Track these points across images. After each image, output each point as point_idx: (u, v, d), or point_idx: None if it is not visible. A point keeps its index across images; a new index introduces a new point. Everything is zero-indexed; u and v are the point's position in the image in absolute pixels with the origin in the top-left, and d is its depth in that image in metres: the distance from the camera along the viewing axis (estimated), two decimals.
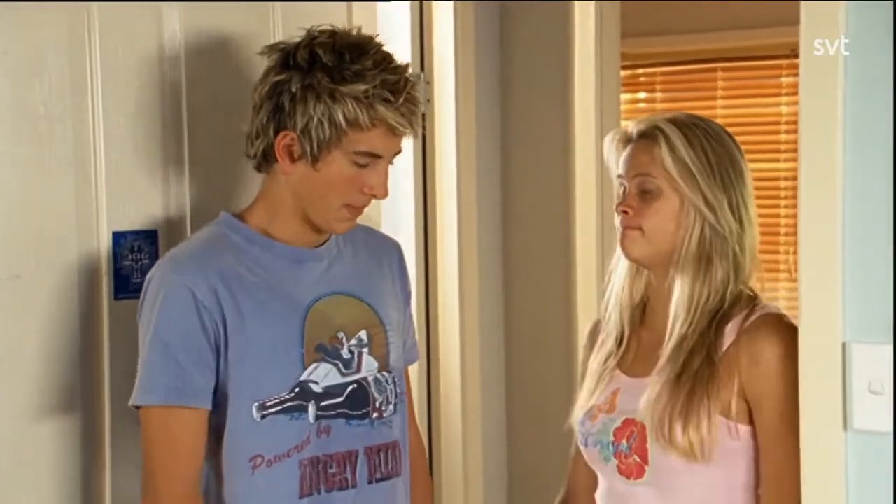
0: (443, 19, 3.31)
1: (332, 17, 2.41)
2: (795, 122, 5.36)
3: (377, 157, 2.23)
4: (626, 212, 2.29)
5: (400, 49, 3.24)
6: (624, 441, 2.28)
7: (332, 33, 2.24)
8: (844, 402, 1.87)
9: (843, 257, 1.87)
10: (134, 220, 2.48)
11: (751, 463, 2.21)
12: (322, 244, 2.35)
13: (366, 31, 2.31)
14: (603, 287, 2.47)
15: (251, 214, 2.33)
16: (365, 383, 2.33)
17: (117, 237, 2.45)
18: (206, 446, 2.24)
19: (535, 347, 3.52)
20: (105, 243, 2.43)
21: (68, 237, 2.40)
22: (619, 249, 2.35)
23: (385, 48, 2.25)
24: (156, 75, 2.53)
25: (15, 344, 2.32)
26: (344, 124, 2.18)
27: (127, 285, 2.46)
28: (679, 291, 2.26)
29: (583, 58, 3.57)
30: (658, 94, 5.91)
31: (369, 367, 2.34)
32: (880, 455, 1.86)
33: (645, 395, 2.25)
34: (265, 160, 2.28)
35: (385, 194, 2.28)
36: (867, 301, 1.86)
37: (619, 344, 2.38)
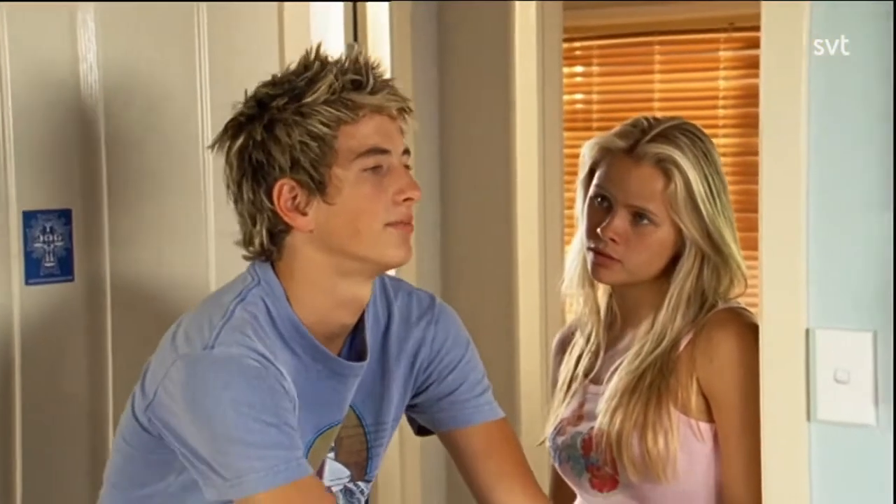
0: (378, 20, 3.21)
1: (262, 19, 2.30)
2: (734, 97, 5.45)
3: (384, 152, 1.90)
4: (613, 240, 2.15)
5: (333, 53, 3.14)
6: (593, 453, 2.17)
7: (269, 78, 1.96)
8: (808, 392, 1.76)
9: (806, 238, 1.76)
10: (46, 198, 2.33)
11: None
12: (355, 328, 2.01)
13: (298, 33, 2.17)
14: (558, 290, 2.37)
15: (291, 296, 1.95)
16: None
17: (28, 217, 2.31)
18: None
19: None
20: (15, 224, 2.29)
21: None
22: (573, 256, 2.23)
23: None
24: (68, 50, 2.40)
25: None
26: (328, 131, 1.87)
27: (38, 269, 2.33)
28: (661, 323, 2.16)
29: (524, 54, 3.48)
30: (595, 68, 5.82)
31: (335, 475, 2.03)
32: (846, 447, 1.76)
33: (601, 405, 2.15)
34: (274, 243, 1.94)
35: (419, 194, 1.93)
36: (833, 284, 1.75)
37: (587, 352, 2.27)
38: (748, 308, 2.16)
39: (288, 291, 1.94)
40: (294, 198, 1.90)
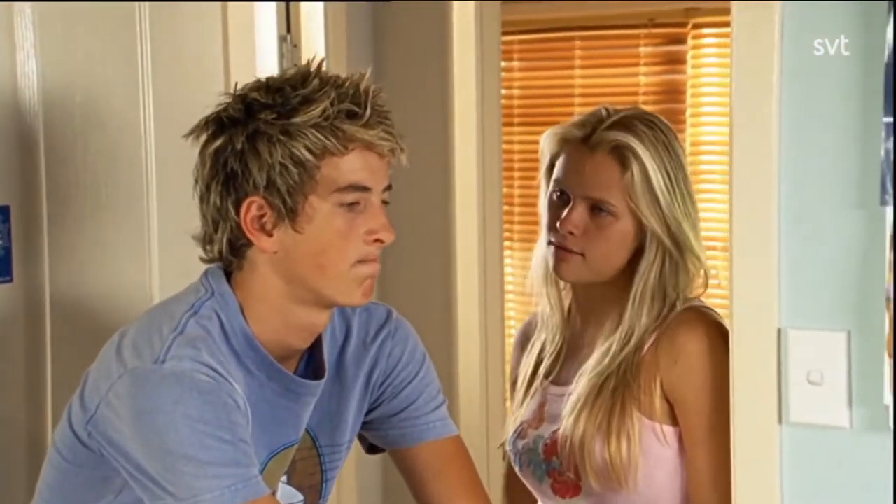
0: (313, 19, 3.16)
1: (206, 18, 2.24)
2: (654, 93, 5.46)
3: (365, 190, 1.83)
4: (571, 233, 2.11)
5: (268, 54, 3.08)
6: (555, 458, 2.13)
7: (261, 79, 1.87)
8: (780, 394, 1.75)
9: (778, 237, 1.74)
10: None
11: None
12: (312, 345, 1.94)
13: (242, 35, 2.09)
14: (525, 289, 2.32)
15: (247, 310, 1.88)
16: None
17: None
18: None
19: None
20: None
21: None
22: (538, 253, 2.19)
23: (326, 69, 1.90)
24: (4, 38, 2.32)
25: None
26: (312, 158, 1.79)
27: None
28: (628, 322, 2.11)
29: (462, 53, 3.48)
30: (515, 63, 5.79)
31: (287, 500, 1.95)
32: (819, 450, 1.74)
33: (566, 409, 2.11)
34: (234, 254, 1.87)
35: (392, 237, 1.86)
36: (805, 284, 1.73)
37: (547, 350, 2.23)
38: (711, 308, 2.14)
39: (243, 304, 1.87)
40: (262, 217, 1.82)
